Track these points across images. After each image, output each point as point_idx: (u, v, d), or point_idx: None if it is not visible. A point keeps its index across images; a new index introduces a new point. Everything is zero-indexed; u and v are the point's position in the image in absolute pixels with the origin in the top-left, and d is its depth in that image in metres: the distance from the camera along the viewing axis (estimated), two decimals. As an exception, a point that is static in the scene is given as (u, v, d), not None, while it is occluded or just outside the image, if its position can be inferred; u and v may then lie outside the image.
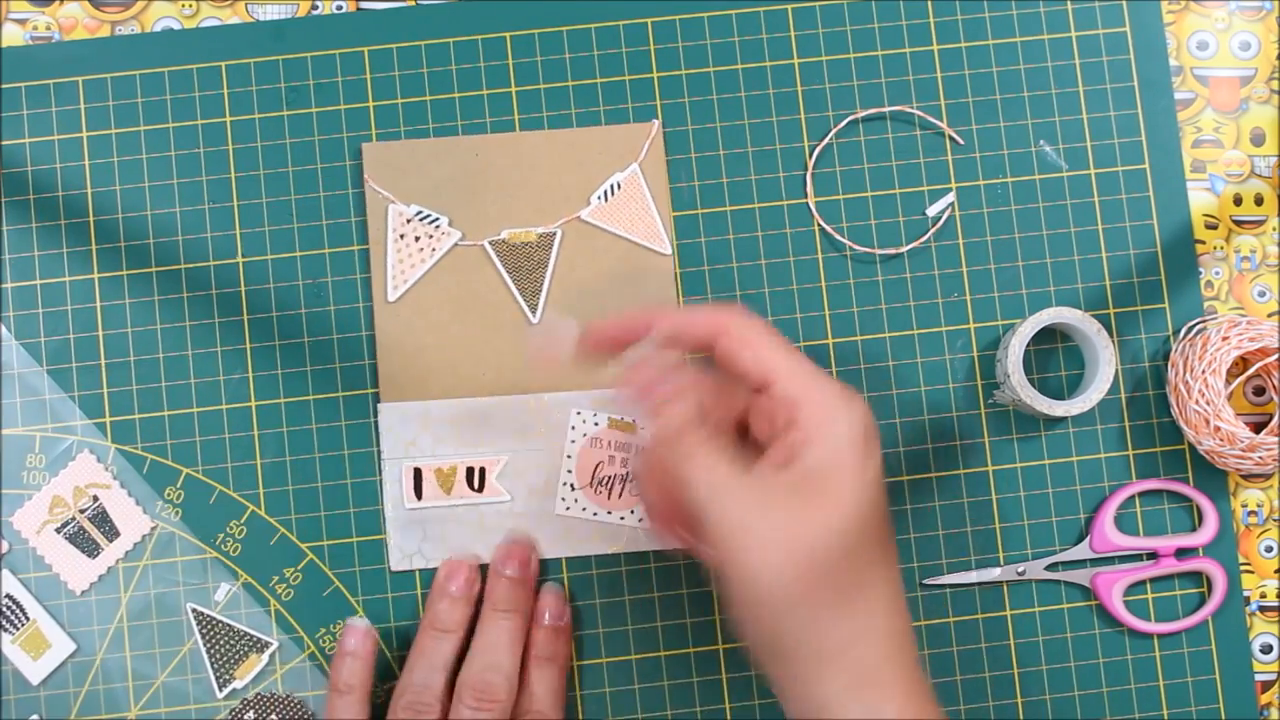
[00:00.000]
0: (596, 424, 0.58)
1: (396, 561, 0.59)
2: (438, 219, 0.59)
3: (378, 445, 0.60)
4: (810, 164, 0.61)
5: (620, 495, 0.58)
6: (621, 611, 0.60)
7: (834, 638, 0.48)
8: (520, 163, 0.60)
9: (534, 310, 0.59)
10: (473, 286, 0.60)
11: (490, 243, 0.59)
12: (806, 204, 0.61)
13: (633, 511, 0.58)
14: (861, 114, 0.62)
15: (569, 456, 0.58)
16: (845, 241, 0.61)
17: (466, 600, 0.57)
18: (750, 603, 0.49)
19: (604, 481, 0.58)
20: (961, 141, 0.61)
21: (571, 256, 0.60)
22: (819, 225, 0.61)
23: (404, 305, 0.59)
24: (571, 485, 0.58)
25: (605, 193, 0.60)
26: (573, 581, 0.60)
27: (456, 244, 0.59)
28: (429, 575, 0.59)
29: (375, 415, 0.60)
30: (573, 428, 0.58)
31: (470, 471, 0.58)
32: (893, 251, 0.61)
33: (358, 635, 0.57)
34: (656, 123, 0.60)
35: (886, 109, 0.62)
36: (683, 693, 0.60)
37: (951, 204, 0.61)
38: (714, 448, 0.50)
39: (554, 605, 0.58)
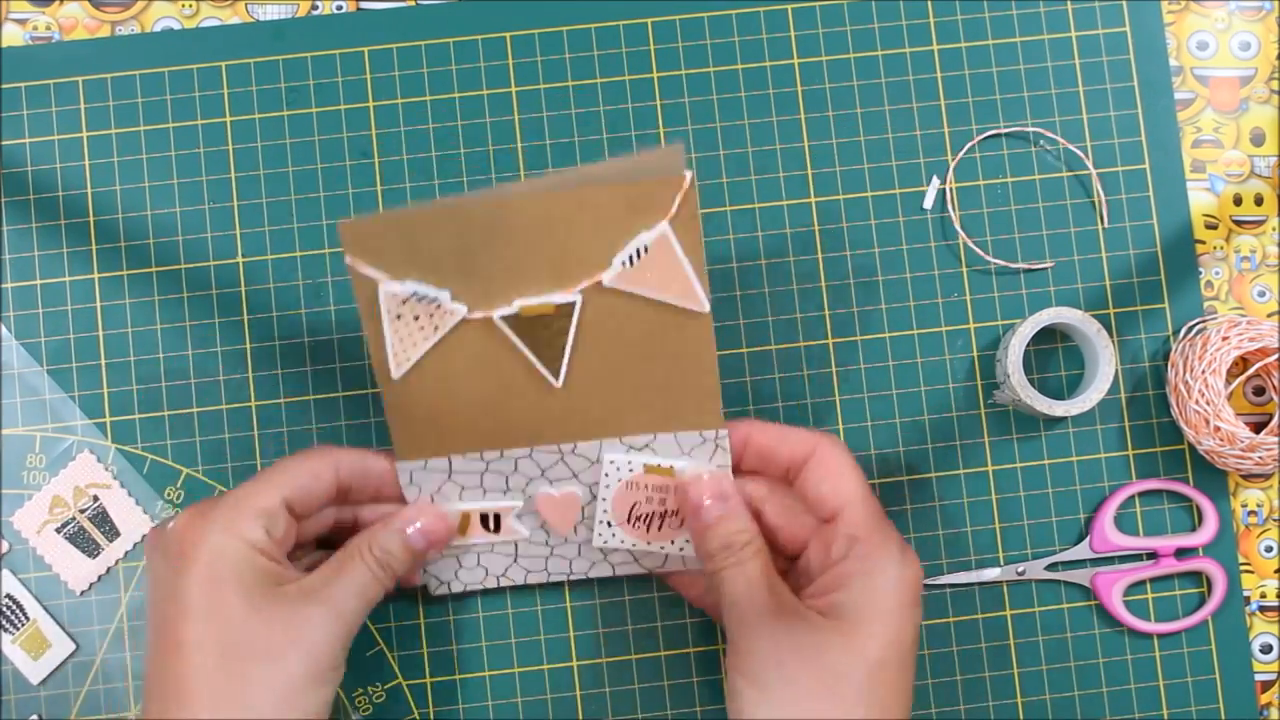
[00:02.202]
0: (631, 469, 0.55)
1: (435, 588, 0.58)
2: (436, 297, 0.52)
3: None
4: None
5: (660, 529, 0.56)
6: (621, 611, 0.60)
7: None
8: (529, 226, 0.51)
9: (555, 375, 0.53)
10: (484, 358, 0.53)
11: (501, 317, 0.52)
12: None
13: (672, 541, 0.56)
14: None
15: (604, 499, 0.55)
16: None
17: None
18: None
19: (642, 518, 0.56)
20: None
21: (595, 324, 0.52)
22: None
23: (412, 380, 0.53)
24: (609, 523, 0.56)
25: (630, 257, 0.51)
26: (573, 581, 0.60)
27: (463, 319, 0.52)
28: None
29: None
30: (606, 474, 0.55)
31: (485, 517, 0.56)
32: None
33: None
34: (690, 174, 0.50)
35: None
36: (683, 693, 0.60)
37: (940, 189, 0.61)
38: (764, 563, 0.52)
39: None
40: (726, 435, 0.54)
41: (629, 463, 0.55)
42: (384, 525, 0.54)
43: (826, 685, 0.49)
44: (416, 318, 0.52)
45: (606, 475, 0.55)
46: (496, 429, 0.54)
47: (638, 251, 0.51)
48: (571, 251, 0.51)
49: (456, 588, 0.58)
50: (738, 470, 0.55)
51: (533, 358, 0.53)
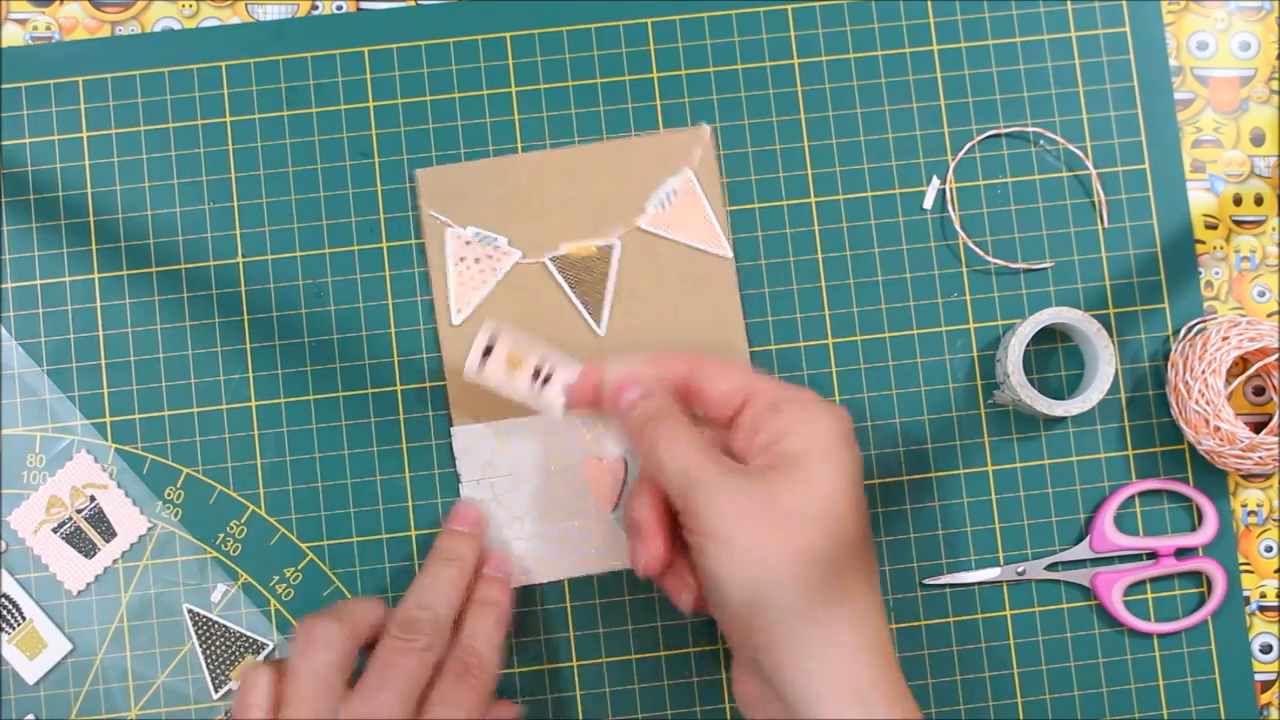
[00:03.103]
0: None
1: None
2: (497, 239, 0.59)
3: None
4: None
5: None
6: (621, 611, 0.60)
7: (825, 628, 0.49)
8: (573, 177, 0.60)
9: (598, 322, 0.59)
10: (536, 303, 0.60)
11: (551, 259, 0.59)
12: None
13: None
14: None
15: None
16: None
17: (471, 537, 0.58)
18: (741, 585, 0.50)
19: None
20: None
21: (633, 266, 0.60)
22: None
23: (469, 328, 0.59)
24: None
25: (662, 201, 0.60)
26: (573, 581, 0.60)
27: (517, 262, 0.59)
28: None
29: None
30: None
31: (537, 371, 0.56)
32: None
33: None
34: (707, 128, 0.60)
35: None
36: (683, 693, 0.60)
37: (940, 189, 0.61)
38: (694, 431, 0.52)
39: (495, 558, 0.59)
40: None
41: None
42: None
43: (786, 526, 0.50)
44: (477, 260, 0.59)
45: None
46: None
47: (668, 196, 0.59)
48: (610, 199, 0.60)
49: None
50: None
51: (578, 303, 0.59)
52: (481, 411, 0.59)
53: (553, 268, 0.60)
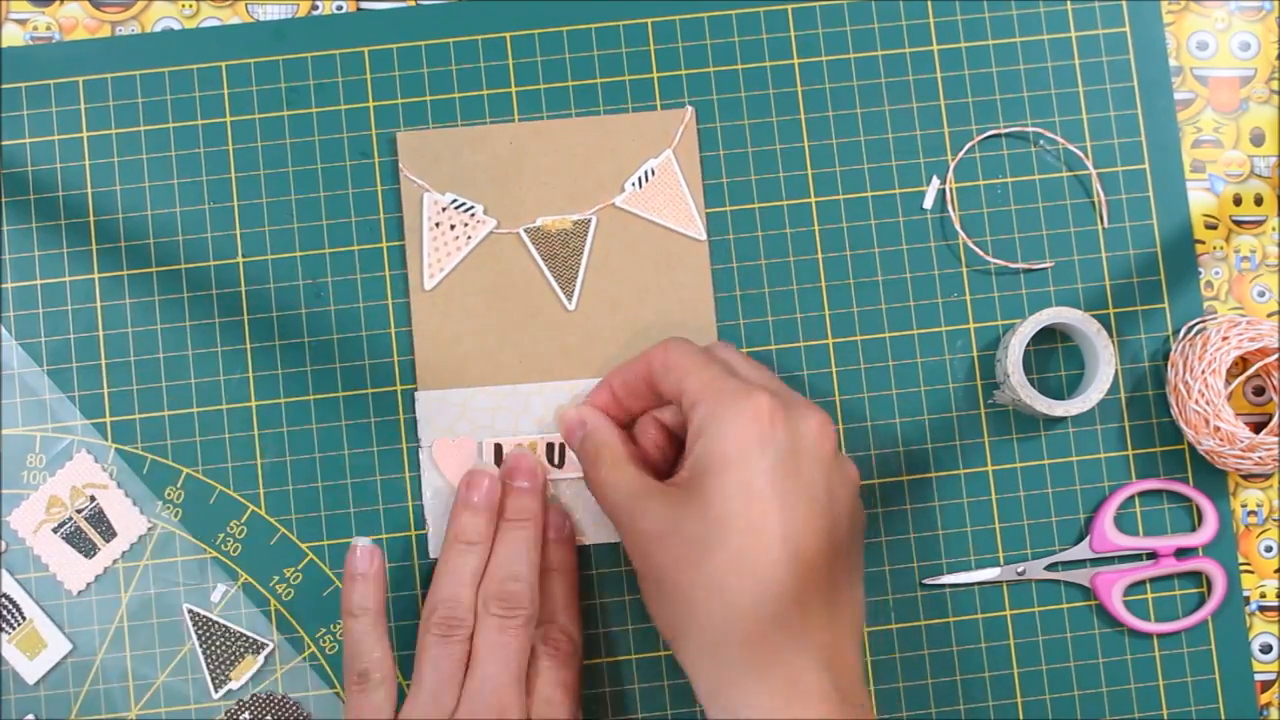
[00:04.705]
0: None
1: (436, 549, 0.59)
2: (473, 207, 0.59)
3: (413, 434, 0.60)
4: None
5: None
6: (622, 611, 0.60)
7: (761, 676, 0.48)
8: (554, 150, 0.60)
9: (569, 297, 0.60)
10: (508, 274, 0.60)
11: (525, 230, 0.60)
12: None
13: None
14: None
15: None
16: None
17: (489, 509, 0.56)
18: (664, 625, 0.51)
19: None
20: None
21: (606, 243, 0.60)
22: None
23: (440, 294, 0.60)
24: None
25: (639, 179, 0.60)
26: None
27: (492, 232, 0.60)
28: (429, 573, 0.59)
29: (411, 407, 0.60)
30: None
31: (550, 447, 0.59)
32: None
33: (365, 556, 0.57)
34: (690, 109, 0.60)
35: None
36: (683, 693, 0.60)
37: (940, 189, 0.61)
38: (629, 460, 0.53)
39: (555, 518, 0.58)
40: None
41: None
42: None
43: (689, 554, 0.48)
44: (453, 226, 0.59)
45: None
46: (512, 361, 0.59)
47: (645, 174, 0.60)
48: (588, 175, 0.60)
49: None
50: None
51: (550, 276, 0.59)
52: (448, 379, 0.60)
53: (527, 239, 0.60)
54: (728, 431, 0.49)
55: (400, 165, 0.60)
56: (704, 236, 0.60)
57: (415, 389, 0.60)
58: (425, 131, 0.61)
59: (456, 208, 0.59)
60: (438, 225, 0.60)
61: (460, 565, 0.55)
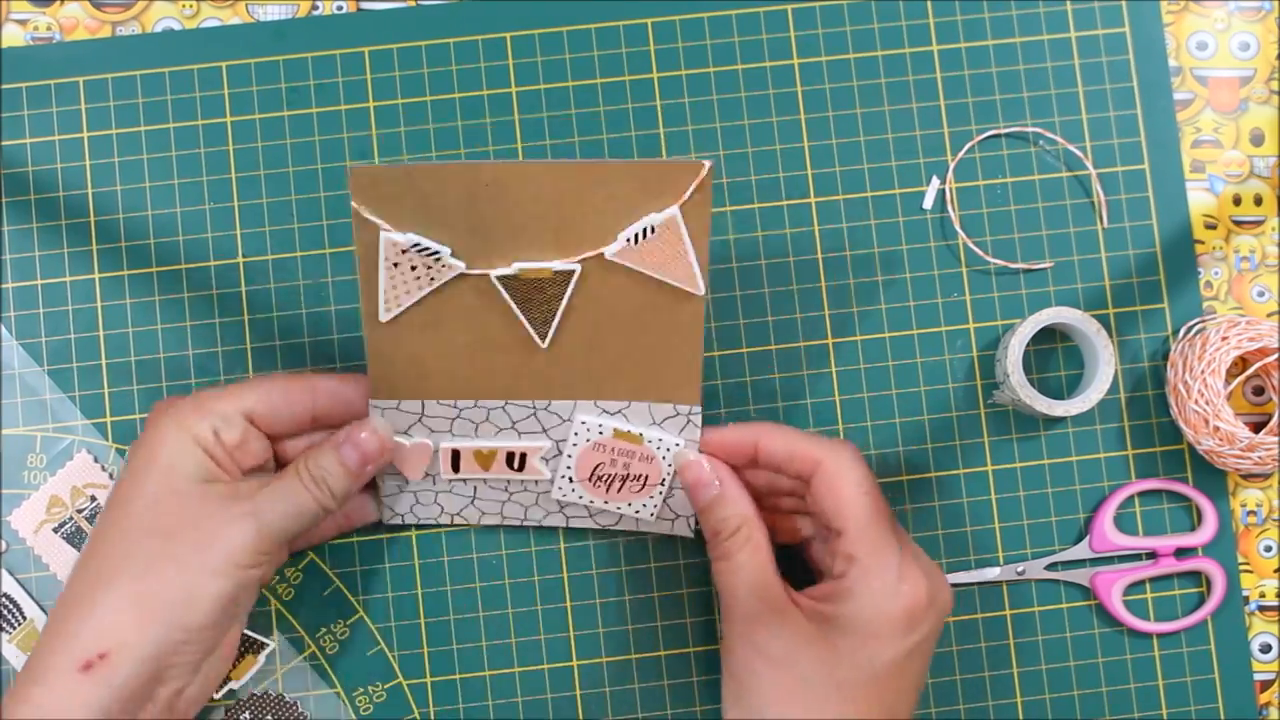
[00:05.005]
0: (601, 432, 0.56)
1: (388, 518, 0.59)
2: (439, 251, 0.52)
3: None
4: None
5: (620, 491, 0.57)
6: (622, 611, 0.60)
7: None
8: (540, 195, 0.51)
9: (543, 338, 0.54)
10: (477, 312, 0.53)
11: (499, 278, 0.52)
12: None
13: (629, 504, 0.57)
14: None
15: (569, 456, 0.57)
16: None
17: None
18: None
19: (603, 479, 0.57)
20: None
21: (591, 291, 0.53)
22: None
23: (398, 324, 0.53)
24: (570, 479, 0.57)
25: (637, 235, 0.52)
26: (572, 581, 0.60)
27: (461, 274, 0.52)
28: (429, 573, 0.59)
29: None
30: (575, 433, 0.56)
31: (510, 455, 0.57)
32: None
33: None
34: (708, 164, 0.50)
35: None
36: (683, 693, 0.60)
37: (940, 189, 0.61)
38: (768, 551, 0.53)
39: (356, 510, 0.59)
40: (699, 411, 0.55)
41: (600, 425, 0.56)
42: (321, 444, 0.54)
43: (797, 694, 0.51)
44: (414, 268, 0.52)
45: (575, 434, 0.56)
46: (475, 379, 0.55)
47: (645, 231, 0.52)
48: (578, 223, 0.52)
49: (410, 520, 0.59)
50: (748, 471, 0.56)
51: (523, 318, 0.53)
52: (403, 391, 0.55)
53: (500, 286, 0.53)
54: (874, 611, 0.51)
55: (352, 202, 0.51)
56: (702, 291, 0.53)
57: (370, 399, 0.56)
58: (383, 168, 0.55)
59: (419, 251, 0.52)
60: (396, 265, 0.52)
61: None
